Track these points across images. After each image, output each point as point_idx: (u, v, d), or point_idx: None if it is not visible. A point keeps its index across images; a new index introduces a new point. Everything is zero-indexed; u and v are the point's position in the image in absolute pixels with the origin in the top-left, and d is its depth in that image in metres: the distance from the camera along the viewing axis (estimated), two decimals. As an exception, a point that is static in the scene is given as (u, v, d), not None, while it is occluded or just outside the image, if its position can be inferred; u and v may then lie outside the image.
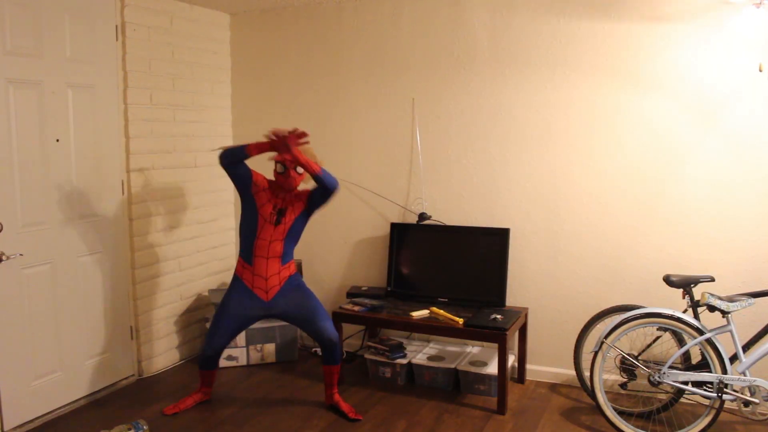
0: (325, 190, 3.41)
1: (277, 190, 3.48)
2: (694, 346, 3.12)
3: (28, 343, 3.36)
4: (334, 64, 4.43)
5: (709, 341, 3.06)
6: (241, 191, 3.46)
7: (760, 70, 3.24)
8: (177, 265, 4.29)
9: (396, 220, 4.34)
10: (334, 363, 3.55)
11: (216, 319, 3.51)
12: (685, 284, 3.24)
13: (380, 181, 4.38)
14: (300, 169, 3.42)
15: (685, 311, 3.22)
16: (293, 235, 3.52)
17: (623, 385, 3.49)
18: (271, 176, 3.61)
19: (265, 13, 4.59)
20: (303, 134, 3.28)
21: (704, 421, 3.08)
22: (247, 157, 3.31)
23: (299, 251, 4.64)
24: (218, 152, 3.39)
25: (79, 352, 3.66)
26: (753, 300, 3.08)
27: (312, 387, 3.94)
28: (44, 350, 3.45)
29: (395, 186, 4.33)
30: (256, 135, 4.69)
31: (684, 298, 3.26)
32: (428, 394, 3.84)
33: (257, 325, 4.29)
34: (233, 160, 3.33)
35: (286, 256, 3.52)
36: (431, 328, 3.71)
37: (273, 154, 3.38)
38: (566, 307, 3.91)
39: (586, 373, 3.66)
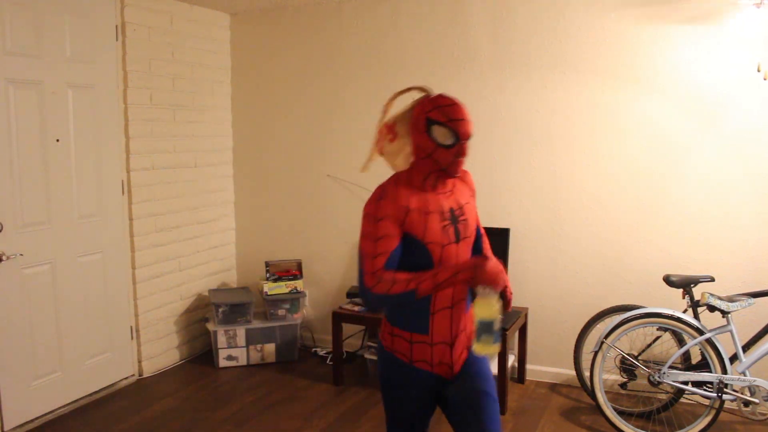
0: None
1: (431, 182, 2.05)
2: (694, 346, 3.12)
3: (28, 343, 3.35)
4: (333, 63, 4.42)
5: (709, 341, 3.06)
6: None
7: (759, 71, 3.25)
8: (177, 265, 4.29)
9: (396, 220, 4.33)
10: None
11: None
12: (685, 284, 3.24)
13: (380, 181, 4.35)
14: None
15: (685, 311, 3.22)
16: (476, 243, 2.18)
17: (623, 385, 3.49)
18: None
19: (265, 13, 4.59)
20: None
21: (704, 421, 3.08)
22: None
23: (298, 251, 4.64)
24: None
25: (79, 352, 3.66)
26: (753, 300, 3.08)
27: (312, 387, 3.94)
28: (44, 350, 3.45)
29: (395, 186, 4.32)
30: (257, 135, 4.72)
31: (684, 298, 3.26)
32: (428, 394, 3.83)
33: (257, 324, 4.29)
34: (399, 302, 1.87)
35: (469, 290, 2.01)
36: (431, 328, 3.70)
37: None
38: (566, 307, 3.91)
39: (586, 373, 3.66)
